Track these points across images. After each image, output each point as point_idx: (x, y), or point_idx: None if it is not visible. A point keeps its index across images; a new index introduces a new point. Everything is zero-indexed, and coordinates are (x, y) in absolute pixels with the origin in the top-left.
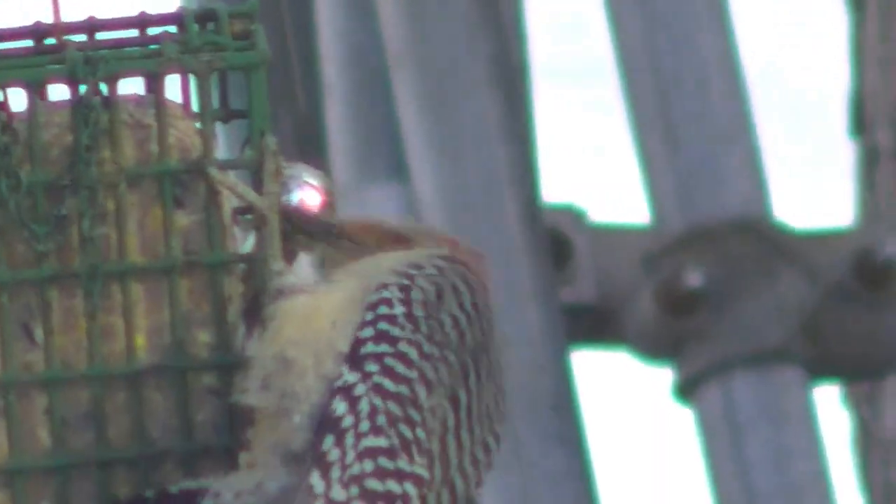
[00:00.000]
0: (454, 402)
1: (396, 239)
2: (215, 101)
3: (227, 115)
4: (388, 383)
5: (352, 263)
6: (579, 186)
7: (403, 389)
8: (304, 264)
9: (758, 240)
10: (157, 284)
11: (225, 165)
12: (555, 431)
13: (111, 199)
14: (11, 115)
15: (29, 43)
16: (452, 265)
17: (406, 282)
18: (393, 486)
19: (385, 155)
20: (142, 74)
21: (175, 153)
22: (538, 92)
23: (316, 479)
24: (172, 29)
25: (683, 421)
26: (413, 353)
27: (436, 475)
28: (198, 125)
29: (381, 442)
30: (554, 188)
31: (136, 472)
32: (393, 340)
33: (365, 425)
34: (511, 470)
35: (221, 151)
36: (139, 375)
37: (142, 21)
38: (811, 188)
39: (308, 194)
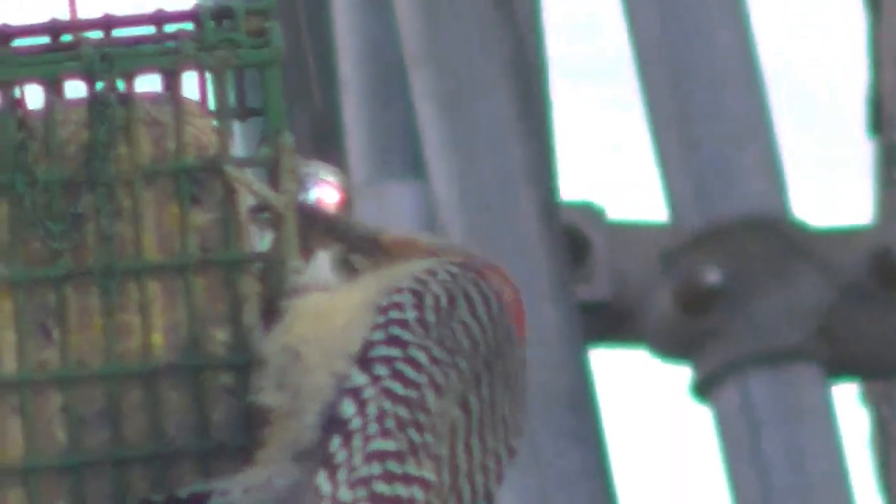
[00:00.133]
0: (464, 408)
1: (416, 250)
2: (232, 99)
3: (244, 112)
4: (397, 387)
5: (371, 267)
6: (596, 184)
7: (412, 393)
8: (322, 262)
9: (775, 238)
10: (174, 282)
11: (241, 163)
12: (572, 430)
13: (127, 197)
14: (28, 113)
15: (45, 40)
16: (465, 272)
17: (419, 287)
18: (400, 489)
19: (402, 152)
20: (158, 71)
21: (191, 150)
22: (555, 90)
23: (323, 481)
24: (189, 26)
25: (701, 419)
26: (423, 358)
27: (444, 480)
28: (214, 122)
29: (390, 445)
30: (571, 186)
31: (151, 471)
32: (403, 344)
33: (373, 428)
34: (528, 468)
35: (238, 149)
36: (155, 374)
37: (158, 18)
38: (829, 186)
39: (325, 191)
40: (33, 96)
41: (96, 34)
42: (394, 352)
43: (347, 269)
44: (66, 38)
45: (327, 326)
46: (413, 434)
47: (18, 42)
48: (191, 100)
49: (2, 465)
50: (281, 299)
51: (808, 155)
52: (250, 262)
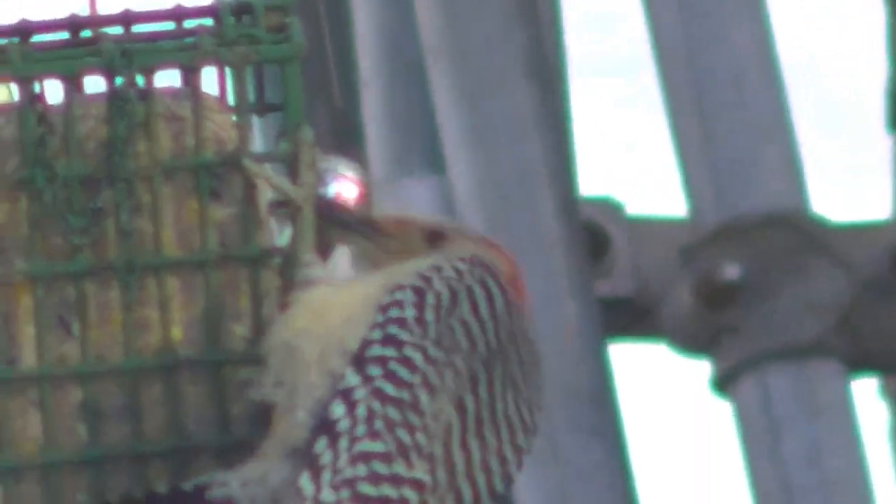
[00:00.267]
0: (460, 407)
1: (432, 235)
2: (251, 94)
3: (263, 107)
4: (388, 388)
5: (383, 262)
6: (616, 179)
7: (404, 394)
8: (341, 257)
9: (794, 233)
10: (193, 277)
11: (260, 158)
12: (592, 425)
13: (147, 192)
14: (48, 108)
15: (65, 35)
16: (472, 268)
17: (422, 284)
18: (388, 490)
19: (421, 147)
20: (178, 67)
21: (211, 146)
22: (575, 85)
23: (306, 482)
24: (208, 21)
25: (721, 414)
26: (418, 357)
27: (439, 480)
28: (233, 118)
29: (377, 446)
30: (591, 181)
31: (171, 466)
32: (399, 344)
33: (361, 429)
34: (548, 463)
35: (257, 144)
36: (175, 368)
37: (177, 14)
38: (848, 181)
39: (344, 187)
40: (53, 92)
41: (116, 30)
42: (389, 351)
43: (368, 263)
44: (86, 33)
45: (326, 322)
46: (403, 435)
47: (38, 38)
48: (210, 95)
49: (22, 459)
50: (291, 293)
51: (827, 150)
52: (269, 257)
